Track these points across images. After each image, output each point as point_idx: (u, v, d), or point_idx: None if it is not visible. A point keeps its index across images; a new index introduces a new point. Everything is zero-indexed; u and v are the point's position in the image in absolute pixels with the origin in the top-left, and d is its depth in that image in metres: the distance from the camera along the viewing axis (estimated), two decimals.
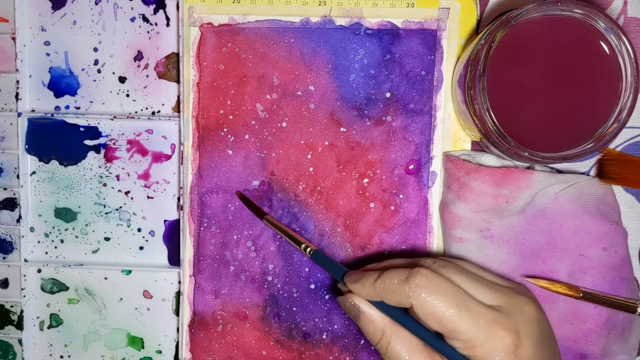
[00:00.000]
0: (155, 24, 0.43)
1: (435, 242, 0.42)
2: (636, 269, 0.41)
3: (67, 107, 0.44)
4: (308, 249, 0.39)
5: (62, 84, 0.44)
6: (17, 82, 0.44)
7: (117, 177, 0.44)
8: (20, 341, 0.45)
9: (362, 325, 0.35)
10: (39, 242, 0.45)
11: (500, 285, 0.34)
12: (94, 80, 0.44)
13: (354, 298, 0.35)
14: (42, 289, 0.45)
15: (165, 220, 0.44)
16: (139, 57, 0.43)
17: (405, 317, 0.34)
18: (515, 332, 0.31)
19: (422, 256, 0.42)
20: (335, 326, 0.42)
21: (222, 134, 0.42)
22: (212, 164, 0.43)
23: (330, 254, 0.42)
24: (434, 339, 0.33)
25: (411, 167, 0.42)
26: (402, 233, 0.42)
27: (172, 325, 0.45)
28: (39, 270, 0.45)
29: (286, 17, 0.41)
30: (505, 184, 0.38)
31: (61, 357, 0.45)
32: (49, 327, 0.45)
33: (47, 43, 0.44)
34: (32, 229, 0.45)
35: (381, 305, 0.34)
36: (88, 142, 0.44)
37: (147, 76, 0.44)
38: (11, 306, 0.45)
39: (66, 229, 0.45)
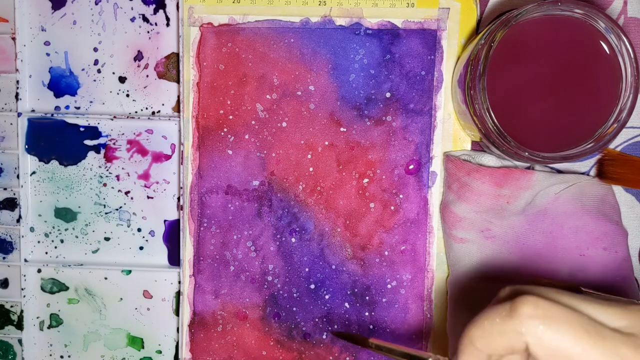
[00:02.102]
0: (155, 24, 0.43)
1: (435, 242, 0.42)
2: (636, 269, 0.41)
3: (67, 107, 0.44)
4: None
5: (62, 84, 0.44)
6: (17, 82, 0.44)
7: (117, 177, 0.44)
8: (20, 341, 0.45)
9: None
10: (39, 242, 0.45)
11: (621, 339, 0.25)
12: (94, 80, 0.44)
13: None
14: (42, 289, 0.45)
15: (165, 220, 0.44)
16: (139, 57, 0.43)
17: None
18: None
19: (422, 256, 0.42)
20: (335, 326, 0.42)
21: (222, 134, 0.42)
22: (212, 164, 0.43)
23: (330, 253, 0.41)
24: None
25: (411, 167, 0.42)
26: (402, 233, 0.42)
27: (172, 325, 0.45)
28: (39, 270, 0.45)
29: (286, 17, 0.41)
30: (506, 184, 0.38)
31: (61, 357, 0.45)
32: (49, 327, 0.45)
33: (47, 43, 0.44)
34: (32, 229, 0.45)
35: None
36: (88, 142, 0.44)
37: (147, 76, 0.44)
38: (11, 306, 0.45)
39: (66, 229, 0.45)
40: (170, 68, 0.43)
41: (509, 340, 0.25)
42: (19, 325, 0.45)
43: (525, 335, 0.24)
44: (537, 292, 0.26)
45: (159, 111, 0.44)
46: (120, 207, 0.44)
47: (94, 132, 0.44)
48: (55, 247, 0.45)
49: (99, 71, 0.44)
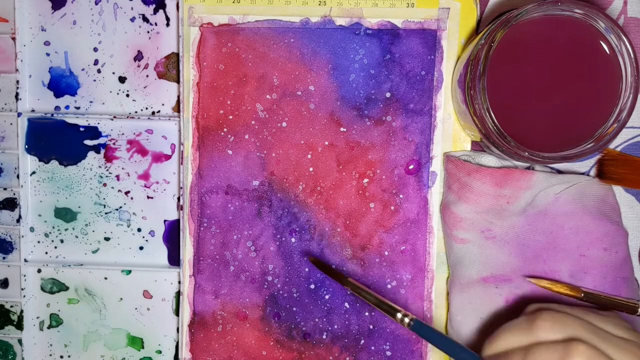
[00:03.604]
0: (155, 24, 0.43)
1: (436, 242, 0.42)
2: (636, 269, 0.41)
3: (67, 107, 0.44)
4: (406, 319, 0.34)
5: (62, 84, 0.44)
6: (17, 82, 0.44)
7: (117, 177, 0.44)
8: (20, 341, 0.45)
9: None
10: (39, 242, 0.45)
11: (628, 343, 0.31)
12: (94, 80, 0.44)
13: None
14: (42, 289, 0.45)
15: (165, 220, 0.44)
16: (139, 57, 0.43)
17: None
18: None
19: (423, 256, 0.42)
20: (335, 326, 0.42)
21: (222, 134, 0.42)
22: (212, 164, 0.43)
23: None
24: None
25: (411, 167, 0.42)
26: (402, 233, 0.42)
27: (172, 325, 0.45)
28: (39, 270, 0.45)
29: (286, 17, 0.41)
30: (506, 184, 0.38)
31: (61, 357, 0.45)
32: (49, 327, 0.45)
33: (47, 43, 0.44)
34: (32, 229, 0.45)
35: None
36: (88, 142, 0.44)
37: (147, 76, 0.44)
38: (11, 306, 0.45)
39: (66, 229, 0.45)
40: (170, 68, 0.43)
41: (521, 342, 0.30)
42: (19, 325, 0.45)
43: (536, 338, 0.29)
44: (588, 339, 0.30)
45: (159, 111, 0.44)
46: (120, 207, 0.44)
47: (94, 132, 0.44)
48: (55, 247, 0.45)
49: (99, 71, 0.44)
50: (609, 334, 0.31)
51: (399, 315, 0.34)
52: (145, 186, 0.44)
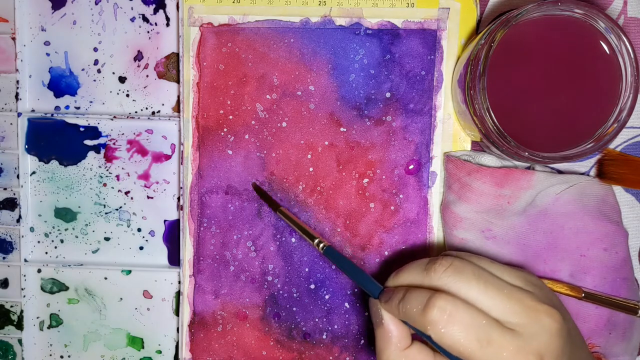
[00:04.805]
0: (155, 24, 0.43)
1: (436, 242, 0.42)
2: (636, 269, 0.41)
3: (67, 107, 0.44)
4: (321, 245, 0.39)
5: (62, 84, 0.44)
6: (17, 82, 0.44)
7: (117, 177, 0.44)
8: (20, 341, 0.45)
9: (377, 334, 0.34)
10: (39, 242, 0.45)
11: (520, 291, 0.31)
12: (94, 80, 0.44)
13: (382, 309, 0.34)
14: (42, 289, 0.45)
15: (165, 220, 0.44)
16: (139, 57, 0.43)
17: (430, 338, 0.32)
18: (539, 356, 0.30)
19: (422, 255, 0.42)
20: (335, 326, 0.42)
21: (222, 134, 0.42)
22: (212, 164, 0.43)
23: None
24: None
25: (411, 167, 0.42)
26: (402, 233, 0.42)
27: (172, 325, 0.45)
28: (39, 270, 0.45)
29: (286, 17, 0.41)
30: (507, 184, 0.38)
31: (61, 357, 0.45)
32: (49, 327, 0.45)
33: (47, 43, 0.44)
34: (32, 229, 0.45)
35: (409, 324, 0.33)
36: (88, 142, 0.44)
37: (147, 76, 0.44)
38: (11, 306, 0.45)
39: (66, 229, 0.45)
40: (170, 68, 0.43)
41: (419, 326, 0.31)
42: (19, 325, 0.45)
43: (429, 332, 0.30)
44: (450, 287, 0.31)
45: (159, 111, 0.44)
46: (120, 207, 0.44)
47: (94, 132, 0.44)
48: (55, 247, 0.45)
49: (99, 71, 0.44)
50: (503, 281, 0.31)
51: (316, 241, 0.39)
52: (145, 186, 0.44)
